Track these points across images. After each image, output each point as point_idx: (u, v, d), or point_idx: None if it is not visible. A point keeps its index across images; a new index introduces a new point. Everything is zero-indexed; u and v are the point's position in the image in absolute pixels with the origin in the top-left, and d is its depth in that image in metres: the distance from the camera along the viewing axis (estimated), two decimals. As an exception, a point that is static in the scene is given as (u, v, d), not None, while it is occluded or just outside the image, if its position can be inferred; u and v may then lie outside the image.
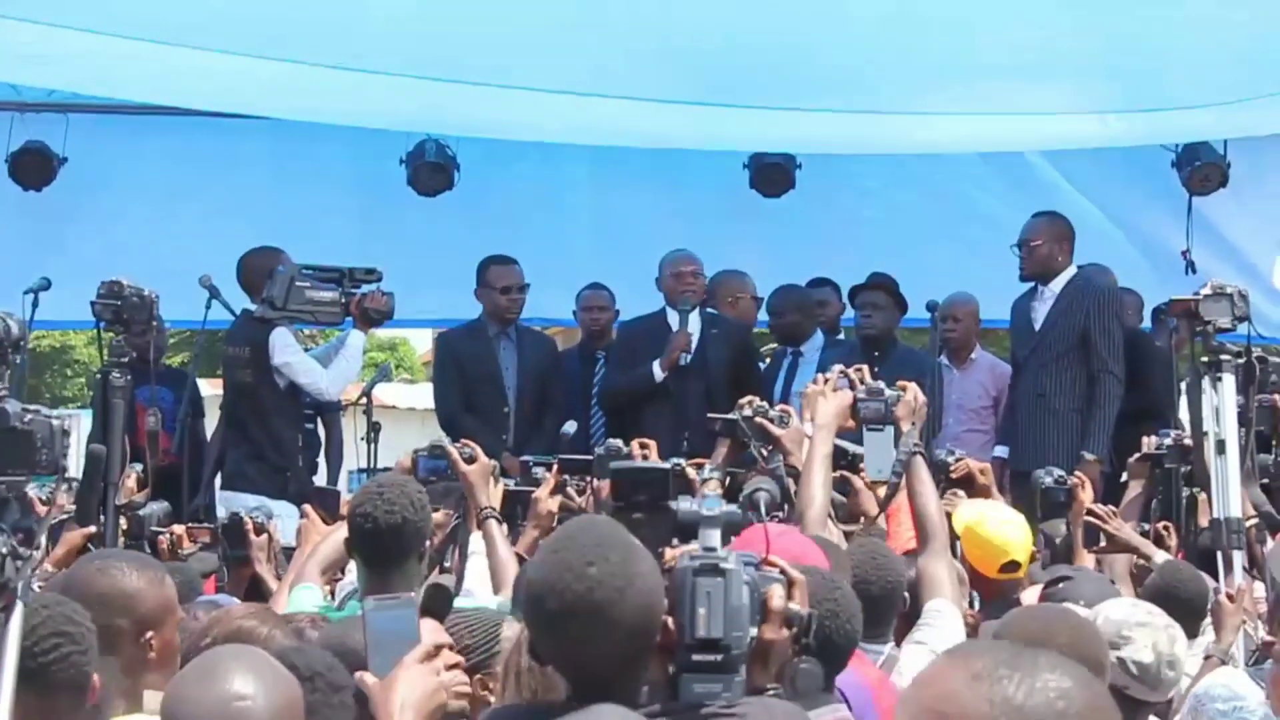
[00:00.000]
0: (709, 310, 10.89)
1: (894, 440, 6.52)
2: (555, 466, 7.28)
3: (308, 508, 6.88)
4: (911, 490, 6.36)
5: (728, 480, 7.00)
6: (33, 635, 3.67)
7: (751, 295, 11.43)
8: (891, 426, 6.55)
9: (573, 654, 3.46)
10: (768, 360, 11.64)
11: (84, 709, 3.82)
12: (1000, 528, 6.86)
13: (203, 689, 3.50)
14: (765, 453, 7.01)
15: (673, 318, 10.60)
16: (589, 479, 7.32)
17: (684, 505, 3.68)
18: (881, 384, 6.60)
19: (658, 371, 10.44)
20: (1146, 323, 11.51)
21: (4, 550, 3.21)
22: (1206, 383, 7.50)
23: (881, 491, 6.71)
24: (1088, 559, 7.55)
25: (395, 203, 12.47)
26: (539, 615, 3.47)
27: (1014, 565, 6.75)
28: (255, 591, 7.36)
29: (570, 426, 9.06)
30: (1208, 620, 6.59)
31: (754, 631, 3.57)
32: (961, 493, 7.61)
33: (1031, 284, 10.57)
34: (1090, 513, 7.66)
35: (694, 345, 10.50)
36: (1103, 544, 7.60)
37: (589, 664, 3.45)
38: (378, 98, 10.13)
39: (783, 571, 3.77)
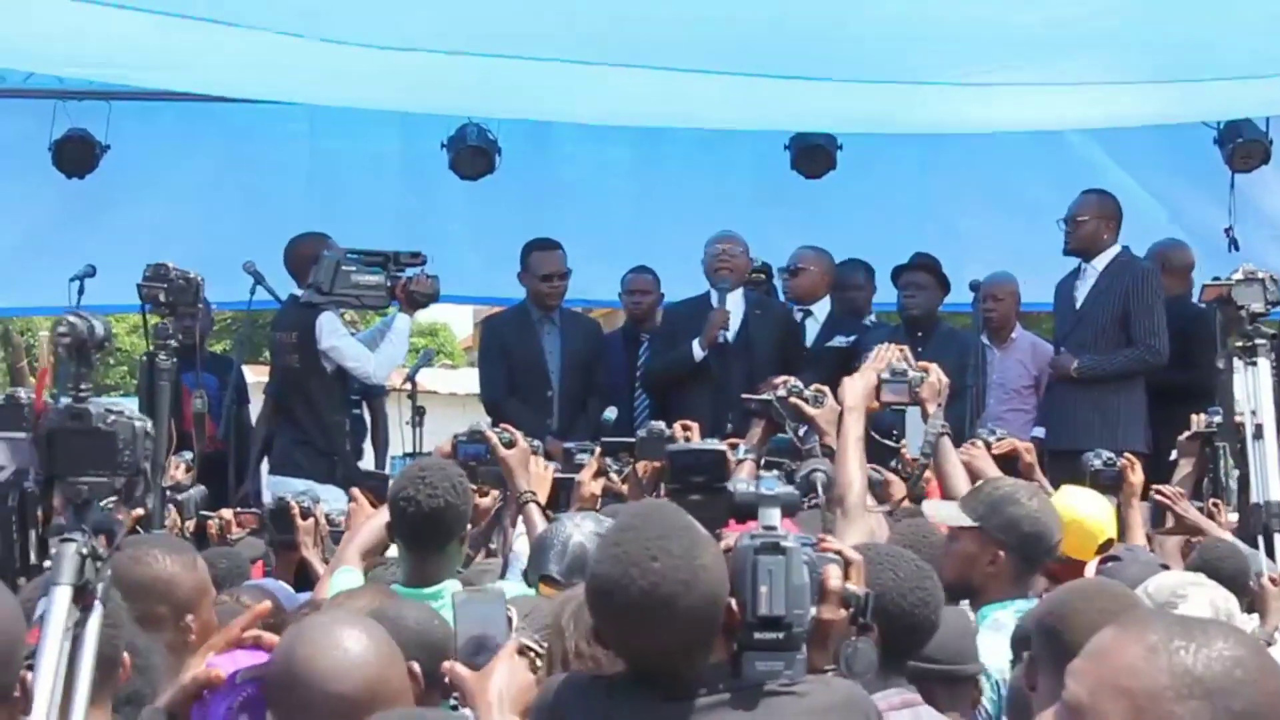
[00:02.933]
0: (752, 291, 10.89)
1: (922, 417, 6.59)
2: (598, 450, 7.30)
3: (355, 491, 6.88)
4: (940, 471, 6.42)
5: (761, 461, 6.99)
6: None
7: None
8: (916, 407, 6.60)
9: (639, 644, 3.48)
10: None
11: (116, 685, 3.84)
12: (1089, 508, 6.78)
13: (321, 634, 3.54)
14: (800, 433, 7.01)
15: (715, 298, 10.62)
16: (631, 461, 7.31)
17: (741, 486, 3.69)
18: (905, 365, 6.59)
19: (697, 350, 10.46)
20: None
21: (85, 552, 3.23)
22: (1241, 366, 7.48)
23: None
24: (1138, 538, 7.52)
25: (437, 187, 12.50)
26: (604, 609, 3.49)
27: (1109, 544, 6.69)
28: (302, 576, 7.38)
29: (611, 413, 9.07)
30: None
31: (813, 611, 3.59)
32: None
33: (1074, 264, 10.55)
34: (1159, 493, 7.65)
35: (735, 324, 10.51)
36: (1169, 524, 7.59)
37: (655, 652, 3.47)
38: (418, 79, 10.12)
39: (839, 552, 3.78)
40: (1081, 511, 6.71)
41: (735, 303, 10.61)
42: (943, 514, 5.89)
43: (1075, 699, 2.45)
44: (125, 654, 3.79)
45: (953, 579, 5.31)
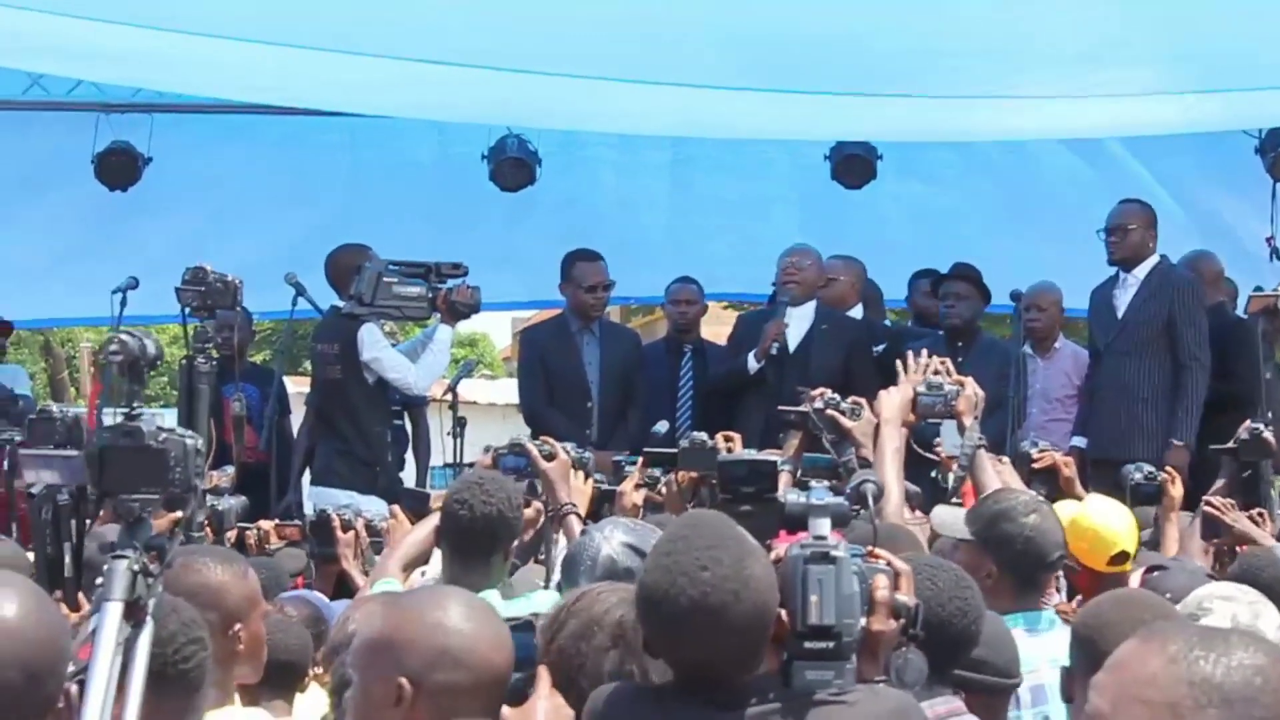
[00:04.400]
0: (824, 307, 10.83)
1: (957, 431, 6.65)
2: (640, 460, 7.30)
3: (396, 509, 6.90)
4: (976, 483, 6.42)
5: (797, 474, 6.99)
6: (173, 642, 3.71)
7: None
8: (953, 420, 6.66)
9: (688, 654, 3.48)
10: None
11: (196, 707, 3.87)
12: (1107, 518, 6.78)
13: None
14: (836, 445, 7.02)
15: (782, 311, 10.58)
16: (674, 472, 7.31)
17: (792, 497, 3.70)
18: (942, 379, 6.66)
19: (752, 362, 10.44)
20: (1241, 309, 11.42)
21: (136, 568, 3.24)
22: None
23: (956, 469, 6.74)
24: (1172, 550, 7.51)
25: (478, 199, 12.54)
26: (654, 619, 3.49)
27: (1123, 556, 6.67)
28: (342, 588, 7.39)
29: (662, 426, 9.06)
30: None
31: (863, 621, 3.59)
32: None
33: (1113, 271, 10.52)
34: (1210, 504, 7.66)
35: (792, 337, 10.46)
36: (1221, 536, 7.59)
37: (704, 662, 3.48)
38: (457, 92, 10.17)
39: (889, 563, 3.78)
40: (1097, 520, 6.69)
41: (804, 315, 10.56)
42: (947, 524, 5.92)
43: (1098, 711, 2.45)
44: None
45: None
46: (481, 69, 9.58)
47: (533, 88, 9.84)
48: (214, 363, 7.26)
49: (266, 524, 8.17)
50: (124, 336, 3.47)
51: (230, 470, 7.74)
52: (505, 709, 3.51)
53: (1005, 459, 7.42)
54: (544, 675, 3.56)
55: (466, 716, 3.39)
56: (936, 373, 6.74)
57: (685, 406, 10.99)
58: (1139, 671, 2.41)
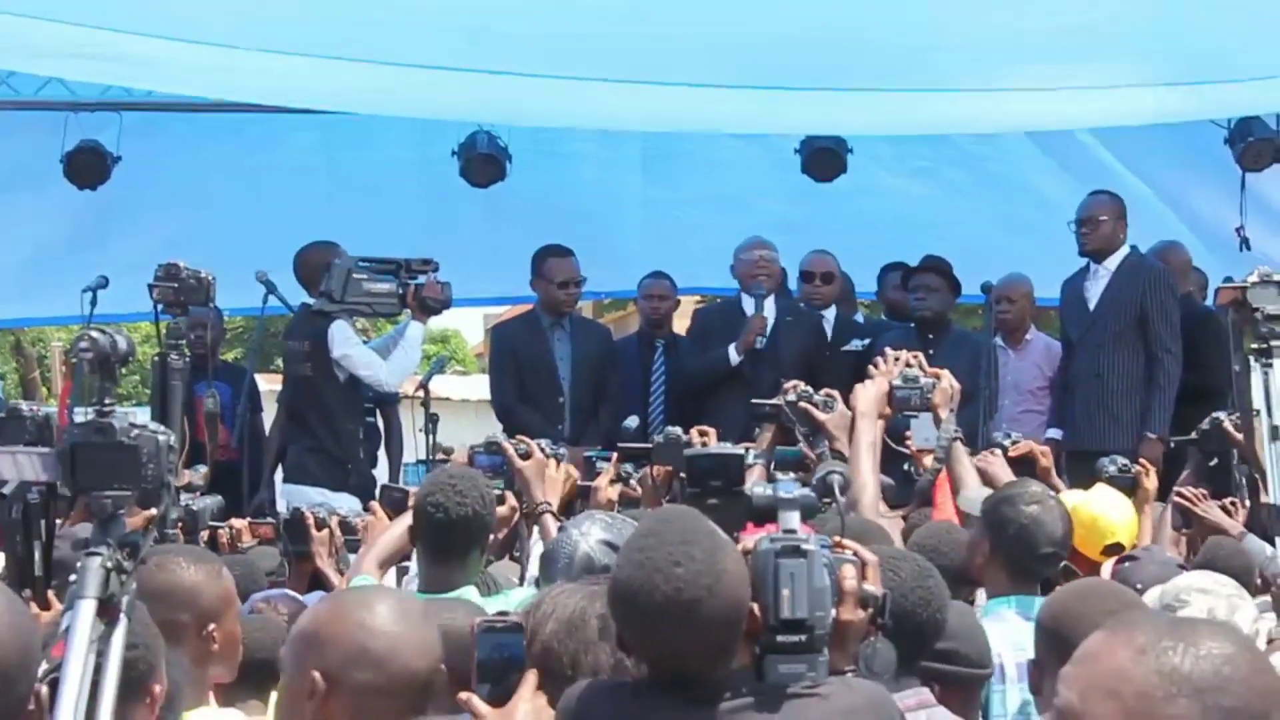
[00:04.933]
0: (784, 298, 10.91)
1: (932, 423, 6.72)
2: (614, 456, 7.30)
3: (374, 505, 6.90)
4: (953, 475, 6.53)
5: (771, 466, 7.01)
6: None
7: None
8: (928, 413, 6.72)
9: (663, 650, 3.48)
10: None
11: (145, 715, 3.84)
12: (1106, 509, 6.82)
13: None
14: (810, 438, 7.03)
15: (748, 304, 10.68)
16: (648, 467, 7.32)
17: (759, 490, 3.71)
18: (917, 372, 6.71)
19: (733, 355, 10.48)
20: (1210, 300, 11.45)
21: (109, 565, 3.23)
22: (1257, 369, 7.47)
23: (927, 461, 6.81)
24: (1146, 541, 7.54)
25: (448, 195, 12.52)
26: (628, 616, 3.49)
27: (1118, 548, 6.71)
28: (317, 587, 7.38)
29: (632, 421, 9.08)
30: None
31: (833, 613, 3.60)
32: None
33: (1084, 262, 10.55)
34: (1181, 495, 7.69)
35: (769, 330, 10.53)
36: (1192, 527, 7.63)
37: (678, 657, 3.48)
38: (429, 90, 10.16)
39: (855, 553, 3.79)
40: (1096, 509, 6.76)
41: (768, 309, 10.62)
42: (969, 500, 6.13)
43: (1067, 704, 2.45)
44: (156, 685, 3.79)
45: (963, 564, 5.55)
46: (453, 70, 9.58)
47: (504, 86, 9.84)
48: (187, 360, 7.24)
49: (239, 522, 8.15)
50: (94, 333, 3.46)
51: (203, 469, 7.72)
52: (486, 708, 3.52)
53: (998, 452, 7.47)
54: (530, 678, 3.56)
55: (383, 718, 3.40)
56: (910, 366, 6.78)
57: (658, 401, 11.00)
58: (1108, 663, 2.41)
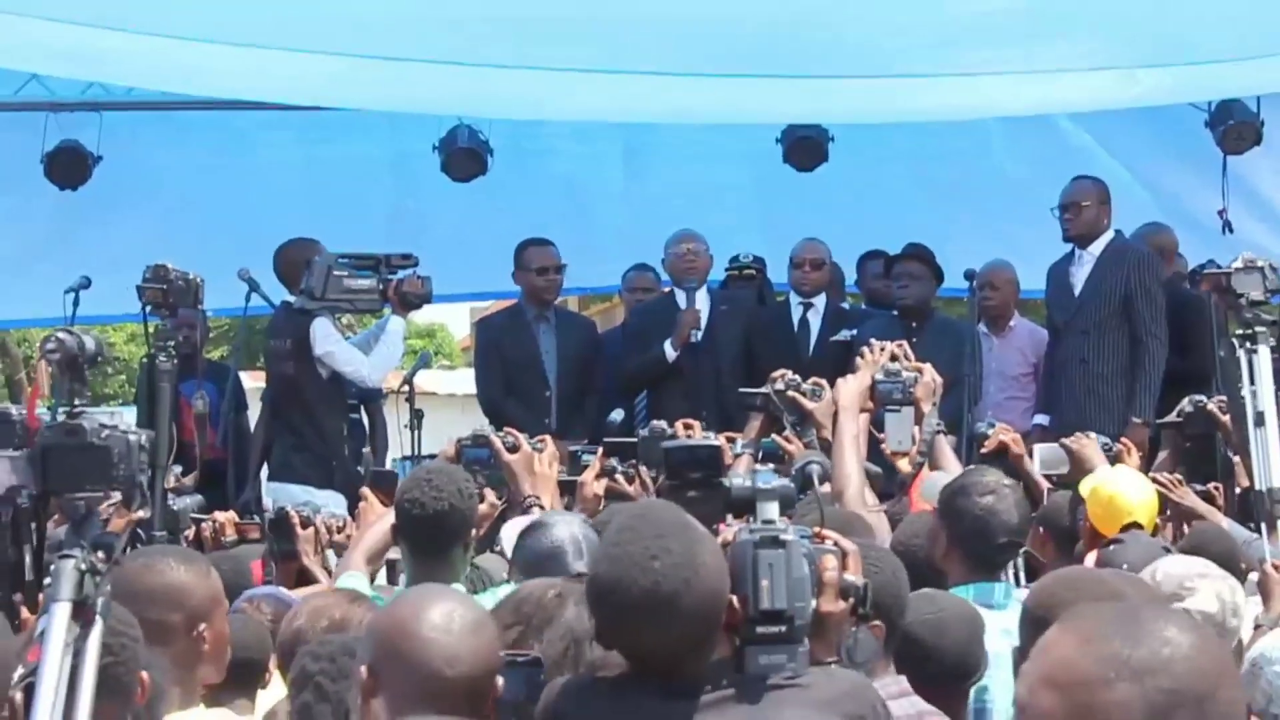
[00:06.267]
0: (714, 288, 10.97)
1: (914, 418, 6.68)
2: (600, 450, 7.30)
3: (366, 490, 6.88)
4: (936, 469, 6.53)
5: (759, 456, 7.01)
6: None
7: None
8: (911, 407, 6.68)
9: (642, 644, 3.49)
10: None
11: (134, 709, 3.82)
12: (1124, 488, 6.79)
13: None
14: (798, 427, 7.03)
15: (681, 298, 10.75)
16: (634, 462, 7.31)
17: (737, 481, 3.70)
18: (899, 366, 6.72)
19: (669, 351, 10.53)
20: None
21: (84, 567, 3.22)
22: (1242, 354, 7.47)
23: (902, 463, 6.76)
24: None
25: (429, 189, 12.52)
26: (606, 610, 3.49)
27: (1136, 527, 6.69)
28: (303, 584, 7.36)
29: (617, 415, 9.07)
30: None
31: (814, 604, 3.59)
32: None
33: (1068, 248, 10.54)
34: (1156, 480, 7.68)
35: (703, 323, 10.59)
36: (1167, 512, 7.62)
37: (658, 651, 3.48)
38: (408, 85, 10.15)
39: (836, 543, 3.79)
40: (1114, 489, 6.70)
41: (700, 301, 10.71)
42: (928, 490, 6.11)
43: (1018, 698, 2.44)
44: (143, 673, 3.78)
45: (926, 554, 5.52)
46: (432, 63, 9.57)
47: (483, 79, 9.83)
48: (175, 361, 7.23)
49: (222, 515, 8.12)
50: (61, 334, 3.45)
51: (177, 469, 7.69)
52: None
53: (1091, 435, 7.47)
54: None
55: (420, 716, 3.39)
56: (894, 358, 6.77)
57: (644, 395, 10.99)
58: (1054, 654, 2.39)
